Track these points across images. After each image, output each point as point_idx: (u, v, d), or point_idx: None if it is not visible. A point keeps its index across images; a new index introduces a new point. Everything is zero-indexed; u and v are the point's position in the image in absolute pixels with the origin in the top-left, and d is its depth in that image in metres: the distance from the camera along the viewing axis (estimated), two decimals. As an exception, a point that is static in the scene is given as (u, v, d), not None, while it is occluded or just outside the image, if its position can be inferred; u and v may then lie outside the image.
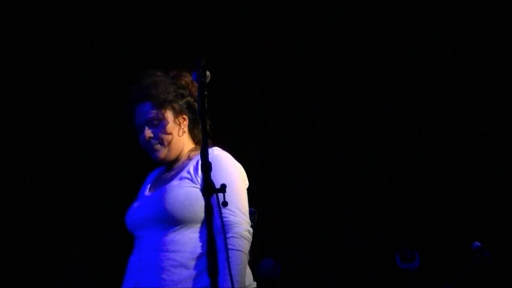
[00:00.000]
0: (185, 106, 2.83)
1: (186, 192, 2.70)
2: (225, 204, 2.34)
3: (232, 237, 2.62)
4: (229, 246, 2.57)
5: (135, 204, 2.80)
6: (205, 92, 2.54)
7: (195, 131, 2.87)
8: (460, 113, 4.54)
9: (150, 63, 4.34)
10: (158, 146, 2.80)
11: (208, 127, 2.41)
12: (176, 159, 2.84)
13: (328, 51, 4.62)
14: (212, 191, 2.29)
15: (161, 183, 2.80)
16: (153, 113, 2.80)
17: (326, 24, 4.60)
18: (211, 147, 2.74)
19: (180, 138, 2.84)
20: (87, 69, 4.47)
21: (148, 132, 2.78)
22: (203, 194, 2.29)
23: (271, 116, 4.59)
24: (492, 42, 4.49)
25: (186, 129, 2.84)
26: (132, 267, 2.68)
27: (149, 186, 2.86)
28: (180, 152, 2.85)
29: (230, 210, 2.63)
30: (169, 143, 2.81)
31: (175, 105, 2.82)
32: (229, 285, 2.47)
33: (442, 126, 4.56)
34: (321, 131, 4.59)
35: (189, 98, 2.84)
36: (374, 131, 4.61)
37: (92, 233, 4.39)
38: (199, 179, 2.71)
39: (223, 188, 2.32)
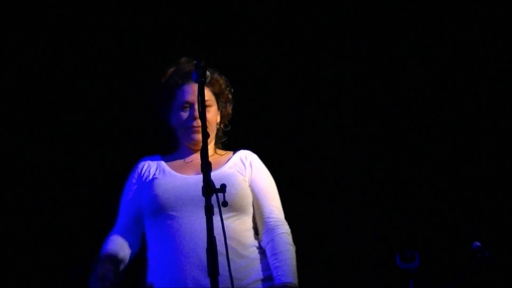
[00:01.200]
0: (223, 107, 2.96)
1: (243, 181, 2.74)
2: (224, 204, 2.35)
3: (286, 233, 2.80)
4: (286, 240, 2.76)
5: (168, 184, 2.74)
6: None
7: (219, 132, 2.96)
8: (460, 113, 4.54)
9: (150, 63, 4.37)
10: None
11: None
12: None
13: (328, 51, 4.61)
14: (212, 191, 2.30)
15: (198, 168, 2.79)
16: (209, 96, 2.86)
17: (326, 24, 4.59)
18: (240, 149, 2.92)
19: (214, 129, 2.92)
20: (87, 68, 4.46)
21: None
22: (203, 194, 2.30)
23: (271, 116, 4.59)
24: (492, 42, 4.49)
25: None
26: (188, 249, 2.62)
27: (167, 168, 2.83)
28: (209, 144, 2.86)
29: (278, 210, 2.83)
30: (211, 129, 2.88)
31: (222, 100, 2.92)
32: (290, 279, 2.65)
33: (442, 126, 4.56)
34: (321, 131, 4.58)
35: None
36: (374, 131, 4.61)
37: (92, 233, 4.39)
38: (247, 172, 2.81)
39: (223, 188, 2.33)
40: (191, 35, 4.44)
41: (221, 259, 2.52)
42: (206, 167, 2.32)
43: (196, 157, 2.84)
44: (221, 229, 2.55)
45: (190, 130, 2.84)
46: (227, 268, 2.51)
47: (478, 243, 3.65)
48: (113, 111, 4.45)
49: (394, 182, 4.55)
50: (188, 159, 2.88)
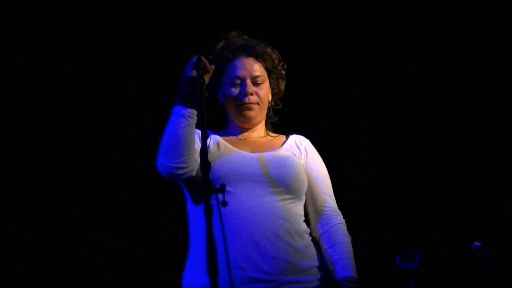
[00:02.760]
0: (276, 83, 2.86)
1: (300, 165, 2.70)
2: (224, 204, 2.33)
3: (342, 224, 2.72)
4: (343, 232, 2.68)
5: (224, 156, 2.60)
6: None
7: (270, 111, 2.86)
8: (460, 113, 4.54)
9: (150, 63, 4.36)
10: (255, 106, 2.75)
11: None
12: (253, 129, 2.80)
13: (328, 50, 4.61)
14: (212, 191, 2.28)
15: (256, 147, 2.71)
16: (261, 72, 2.77)
17: (327, 24, 4.59)
18: (291, 133, 2.82)
19: (266, 107, 2.82)
20: (87, 68, 4.46)
21: (252, 88, 2.73)
22: (203, 194, 2.26)
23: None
24: (492, 42, 4.49)
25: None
26: (241, 228, 2.50)
27: (222, 141, 2.70)
28: (260, 123, 2.82)
29: (333, 199, 2.74)
30: (263, 106, 2.79)
31: (274, 76, 2.84)
32: (351, 273, 2.57)
33: (442, 126, 4.55)
34: (321, 130, 4.58)
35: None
36: (374, 130, 4.61)
37: (92, 233, 4.39)
38: (302, 157, 2.73)
39: (222, 188, 2.31)
40: (191, 35, 4.44)
41: (278, 241, 2.51)
42: (206, 167, 2.30)
43: (249, 135, 2.79)
44: (274, 210, 2.53)
45: (242, 107, 2.73)
46: (286, 250, 2.50)
47: (478, 243, 3.65)
48: (113, 111, 4.45)
49: (394, 182, 4.54)
50: (241, 136, 2.78)
